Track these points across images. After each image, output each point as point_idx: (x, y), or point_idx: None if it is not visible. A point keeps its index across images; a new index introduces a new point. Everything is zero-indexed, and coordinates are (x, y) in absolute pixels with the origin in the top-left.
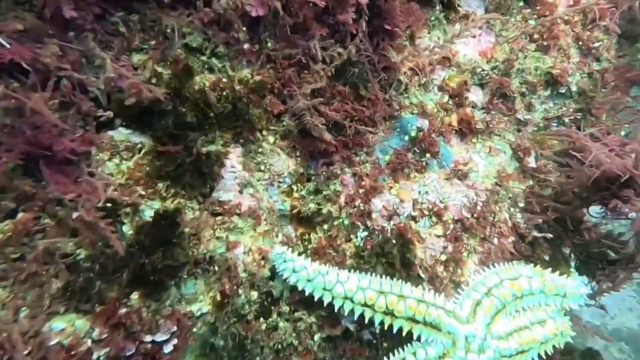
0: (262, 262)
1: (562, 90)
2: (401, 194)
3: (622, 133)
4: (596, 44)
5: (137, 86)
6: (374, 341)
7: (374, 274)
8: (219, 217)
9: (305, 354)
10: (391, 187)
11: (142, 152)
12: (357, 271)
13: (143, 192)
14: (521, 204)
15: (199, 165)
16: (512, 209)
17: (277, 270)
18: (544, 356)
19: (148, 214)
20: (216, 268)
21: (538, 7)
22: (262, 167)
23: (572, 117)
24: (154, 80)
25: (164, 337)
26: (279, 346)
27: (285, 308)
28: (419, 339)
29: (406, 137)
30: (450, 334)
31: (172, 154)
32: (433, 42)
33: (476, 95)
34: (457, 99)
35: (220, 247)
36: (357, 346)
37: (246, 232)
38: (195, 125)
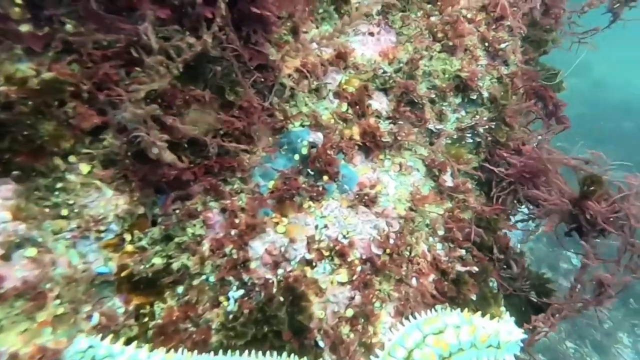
0: None
1: (474, 97)
2: (291, 231)
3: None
4: (502, 45)
5: None
6: None
7: (251, 352)
8: None
9: None
10: (277, 224)
11: None
12: (227, 351)
13: None
14: (441, 232)
15: None
16: (430, 239)
17: None
18: None
19: None
20: None
21: (439, 2)
22: (67, 212)
23: (487, 127)
24: None
25: None
26: None
27: None
28: None
29: (296, 156)
30: None
31: None
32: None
33: (380, 103)
34: (357, 107)
35: None
36: None
37: (9, 327)
38: None
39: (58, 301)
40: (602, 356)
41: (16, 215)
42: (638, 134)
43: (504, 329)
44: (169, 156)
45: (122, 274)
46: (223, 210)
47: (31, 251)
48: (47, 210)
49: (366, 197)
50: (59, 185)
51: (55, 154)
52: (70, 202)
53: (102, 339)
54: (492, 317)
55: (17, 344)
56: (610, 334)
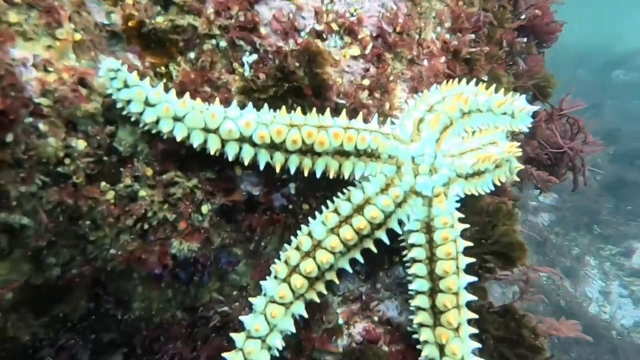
0: (82, 91)
1: None
2: None
3: None
4: None
5: None
6: (290, 205)
7: (276, 110)
8: None
9: (190, 234)
10: None
11: None
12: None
13: None
14: (448, 24)
15: None
16: (438, 29)
17: (118, 104)
18: (497, 183)
19: None
20: None
21: None
22: None
23: None
24: None
25: None
26: (146, 225)
27: (145, 169)
28: (350, 179)
29: None
30: (392, 158)
31: None
32: None
33: None
34: None
35: None
36: (266, 217)
37: (34, 36)
38: None
39: (72, 25)
40: (572, 279)
41: None
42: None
43: (518, 101)
44: None
45: (130, 24)
46: None
47: None
48: None
49: None
50: None
51: None
52: None
53: None
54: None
55: (42, 54)
56: (579, 259)
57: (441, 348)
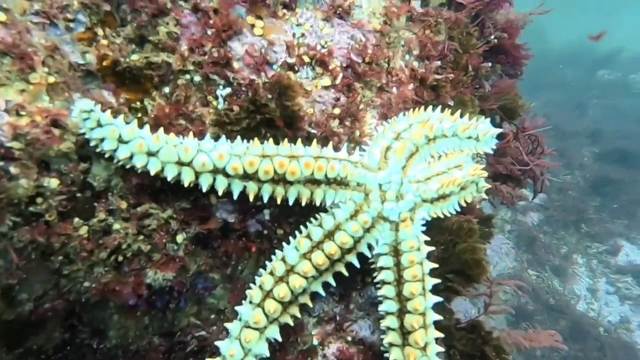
0: (56, 132)
1: None
2: (268, 33)
3: None
4: None
5: None
6: (265, 231)
7: (249, 140)
8: None
9: (165, 263)
10: (253, 26)
11: None
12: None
13: None
14: (416, 51)
15: None
16: (407, 56)
17: (92, 142)
18: (463, 204)
19: None
20: None
21: None
22: None
23: None
24: None
25: None
26: (120, 257)
27: (120, 203)
28: (321, 206)
29: None
30: (361, 186)
31: None
32: None
33: None
34: None
35: None
36: (241, 243)
37: (7, 82)
38: None
39: (46, 69)
40: (561, 277)
41: None
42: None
43: (482, 125)
44: None
45: (104, 63)
46: (195, 9)
47: (1, 15)
48: None
49: (340, 9)
50: None
51: None
52: None
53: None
54: (469, 119)
55: (16, 99)
56: (567, 257)
57: None
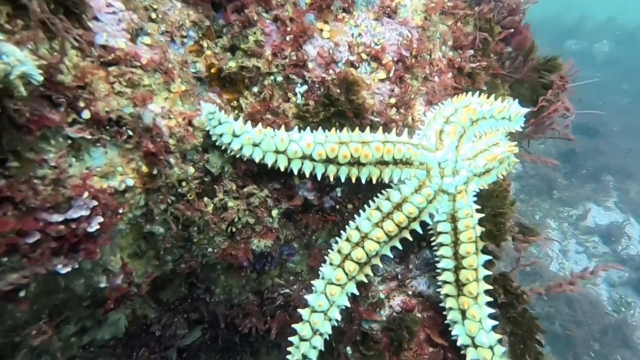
0: (191, 130)
1: None
2: (334, 36)
3: None
4: None
5: None
6: (337, 206)
7: (325, 130)
8: (113, 68)
9: (266, 233)
10: (321, 30)
11: None
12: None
13: None
14: (450, 42)
15: None
16: (443, 48)
17: (213, 137)
18: (500, 177)
19: None
20: (129, 132)
21: None
22: (154, 15)
23: None
24: None
25: (83, 213)
26: (233, 229)
27: (231, 185)
28: (389, 182)
29: None
30: (423, 165)
31: None
32: None
33: None
34: None
35: (127, 105)
36: (320, 216)
37: (158, 92)
38: None
39: (179, 79)
40: (536, 242)
41: (127, 6)
42: None
43: (513, 107)
44: None
45: (211, 72)
46: (275, 19)
47: (147, 39)
48: (142, 11)
49: (388, 9)
50: None
51: None
52: (154, 7)
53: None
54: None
55: (165, 105)
56: (541, 222)
57: (463, 313)
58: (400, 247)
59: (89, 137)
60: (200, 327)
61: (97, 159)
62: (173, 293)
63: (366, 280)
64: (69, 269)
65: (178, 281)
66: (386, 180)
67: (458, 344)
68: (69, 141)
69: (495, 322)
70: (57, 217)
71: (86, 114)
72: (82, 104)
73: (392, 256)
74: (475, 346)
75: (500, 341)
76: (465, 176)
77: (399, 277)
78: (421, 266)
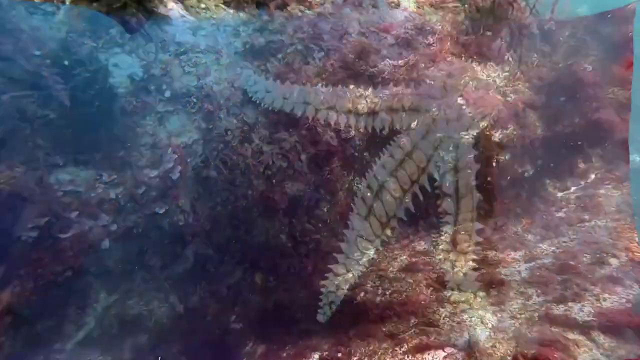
0: (233, 90)
1: None
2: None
3: None
4: None
5: None
6: (356, 154)
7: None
8: (184, 56)
9: (297, 177)
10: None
11: None
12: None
13: None
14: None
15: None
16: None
17: (250, 93)
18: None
19: None
20: (194, 99)
21: None
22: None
23: None
24: None
25: (170, 165)
26: (269, 172)
27: (264, 132)
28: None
29: None
30: (429, 112)
31: None
32: None
33: None
34: None
35: (192, 80)
36: (342, 163)
37: (211, 66)
38: None
39: (225, 55)
40: None
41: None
42: None
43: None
44: None
45: (246, 48)
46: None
47: (204, 32)
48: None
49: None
50: (201, 6)
51: None
52: (212, 17)
53: None
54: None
55: (216, 75)
56: None
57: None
58: (412, 209)
59: (171, 109)
60: (242, 267)
61: (174, 123)
62: (221, 234)
63: (387, 239)
64: (163, 210)
65: (225, 222)
66: (397, 127)
67: None
68: (159, 115)
69: None
70: (155, 172)
71: (167, 93)
72: (164, 87)
73: (405, 218)
74: None
75: None
76: (467, 122)
77: (410, 237)
78: (427, 229)
